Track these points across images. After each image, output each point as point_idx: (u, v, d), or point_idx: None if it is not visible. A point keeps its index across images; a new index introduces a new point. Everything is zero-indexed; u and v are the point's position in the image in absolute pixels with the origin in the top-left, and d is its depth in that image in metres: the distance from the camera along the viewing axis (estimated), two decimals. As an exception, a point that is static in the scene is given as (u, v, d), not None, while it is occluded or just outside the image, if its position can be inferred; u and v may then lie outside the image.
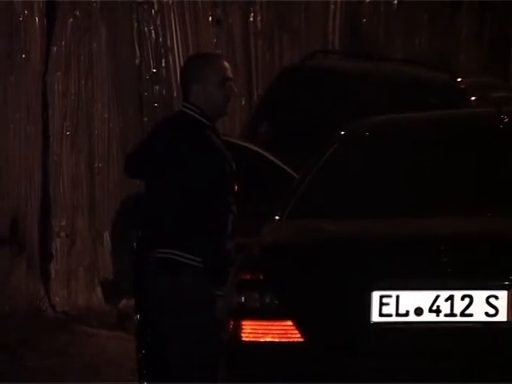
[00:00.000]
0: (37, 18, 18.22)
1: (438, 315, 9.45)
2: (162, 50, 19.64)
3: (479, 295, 9.40)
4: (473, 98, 17.83)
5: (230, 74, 11.47)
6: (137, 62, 19.41)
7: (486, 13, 28.88)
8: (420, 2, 26.61)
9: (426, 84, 18.57)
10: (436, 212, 10.30)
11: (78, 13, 18.60)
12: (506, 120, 10.96)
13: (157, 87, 18.69)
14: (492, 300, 9.37)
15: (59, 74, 18.36)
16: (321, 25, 23.34)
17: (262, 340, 9.80)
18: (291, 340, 9.66)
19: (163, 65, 19.43)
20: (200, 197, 10.63)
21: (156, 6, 19.64)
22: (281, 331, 9.68)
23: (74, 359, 16.47)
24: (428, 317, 9.47)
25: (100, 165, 18.72)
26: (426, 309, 9.48)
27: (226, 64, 11.47)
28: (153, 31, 19.68)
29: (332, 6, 23.40)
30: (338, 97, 16.17)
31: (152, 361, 12.09)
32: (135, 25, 19.44)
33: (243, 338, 9.77)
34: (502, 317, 9.31)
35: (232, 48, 19.74)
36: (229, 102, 11.14)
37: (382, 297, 9.52)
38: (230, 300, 10.02)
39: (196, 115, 10.66)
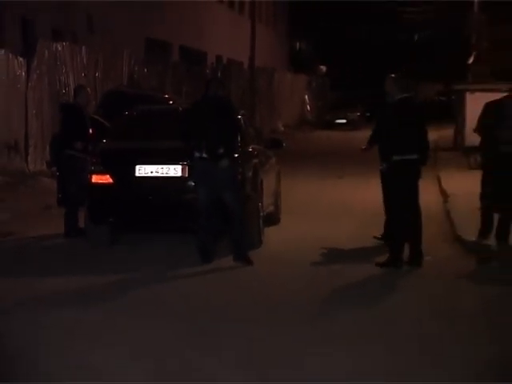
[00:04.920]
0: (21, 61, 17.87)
1: (158, 173, 10.35)
2: (65, 85, 19.27)
3: (173, 167, 10.31)
4: (171, 102, 17.88)
5: (89, 92, 12.70)
6: (57, 87, 19.08)
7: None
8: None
9: (159, 98, 18.33)
10: (157, 139, 10.87)
11: (43, 68, 18.59)
12: (181, 109, 11.48)
13: (65, 97, 18.05)
14: (175, 168, 10.32)
15: (33, 95, 18.22)
16: (121, 75, 22.75)
17: (99, 181, 10.53)
18: (109, 182, 10.49)
19: (66, 89, 19.09)
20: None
21: (64, 69, 19.28)
22: (105, 178, 10.50)
23: (29, 189, 16.15)
24: (155, 174, 10.36)
25: (45, 121, 18.40)
26: (154, 171, 10.38)
27: (89, 89, 12.77)
28: (63, 77, 19.30)
29: (125, 69, 23.01)
30: (129, 101, 14.38)
31: (62, 189, 11.73)
32: (57, 75, 19.03)
33: (92, 181, 10.58)
34: (178, 174, 10.29)
35: (90, 84, 19.10)
36: (89, 103, 12.85)
37: (139, 168, 10.42)
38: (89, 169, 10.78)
39: (79, 103, 11.78)
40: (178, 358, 6.26)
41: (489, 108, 10.47)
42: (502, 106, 10.30)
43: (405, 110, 9.50)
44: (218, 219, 9.89)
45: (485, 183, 10.43)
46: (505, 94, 10.54)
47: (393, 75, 9.67)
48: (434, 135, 10.45)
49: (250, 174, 10.70)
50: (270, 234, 11.47)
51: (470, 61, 31.77)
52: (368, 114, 43.92)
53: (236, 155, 10.04)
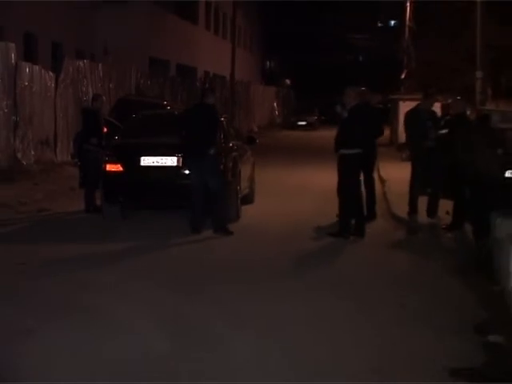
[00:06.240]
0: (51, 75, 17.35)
1: (159, 163, 10.12)
2: (85, 93, 18.76)
3: (170, 158, 10.10)
4: (168, 107, 17.40)
5: (104, 99, 12.72)
6: (80, 95, 18.61)
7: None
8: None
9: (159, 104, 18.01)
10: (158, 136, 10.50)
11: (68, 81, 18.16)
12: (177, 113, 11.45)
13: (85, 103, 17.19)
14: (171, 159, 10.05)
15: (60, 102, 17.72)
16: (129, 86, 22.17)
17: (112, 169, 10.27)
18: (120, 170, 10.24)
19: (86, 97, 18.40)
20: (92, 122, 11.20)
21: (85, 82, 18.90)
22: (117, 167, 10.25)
23: (57, 175, 15.72)
24: (156, 164, 10.13)
25: (70, 122, 17.94)
26: (155, 161, 10.13)
27: (104, 97, 12.74)
28: (84, 88, 18.88)
29: (133, 81, 22.60)
30: (136, 107, 14.00)
31: (82, 175, 11.54)
32: (79, 86, 18.57)
33: (107, 169, 10.32)
34: (175, 163, 10.06)
35: (105, 93, 18.99)
36: (104, 108, 12.68)
37: (143, 159, 10.13)
38: (103, 159, 10.51)
39: (96, 108, 11.55)
40: (174, 307, 6.15)
41: (408, 114, 10.35)
42: (417, 112, 10.19)
43: (356, 114, 9.31)
44: (206, 199, 9.70)
45: (413, 172, 10.33)
46: (418, 103, 10.42)
47: (349, 87, 9.52)
48: (374, 134, 10.36)
49: (231, 164, 10.52)
50: (246, 211, 11.33)
51: (403, 76, 32.09)
52: (323, 118, 43.90)
53: (218, 150, 9.83)
